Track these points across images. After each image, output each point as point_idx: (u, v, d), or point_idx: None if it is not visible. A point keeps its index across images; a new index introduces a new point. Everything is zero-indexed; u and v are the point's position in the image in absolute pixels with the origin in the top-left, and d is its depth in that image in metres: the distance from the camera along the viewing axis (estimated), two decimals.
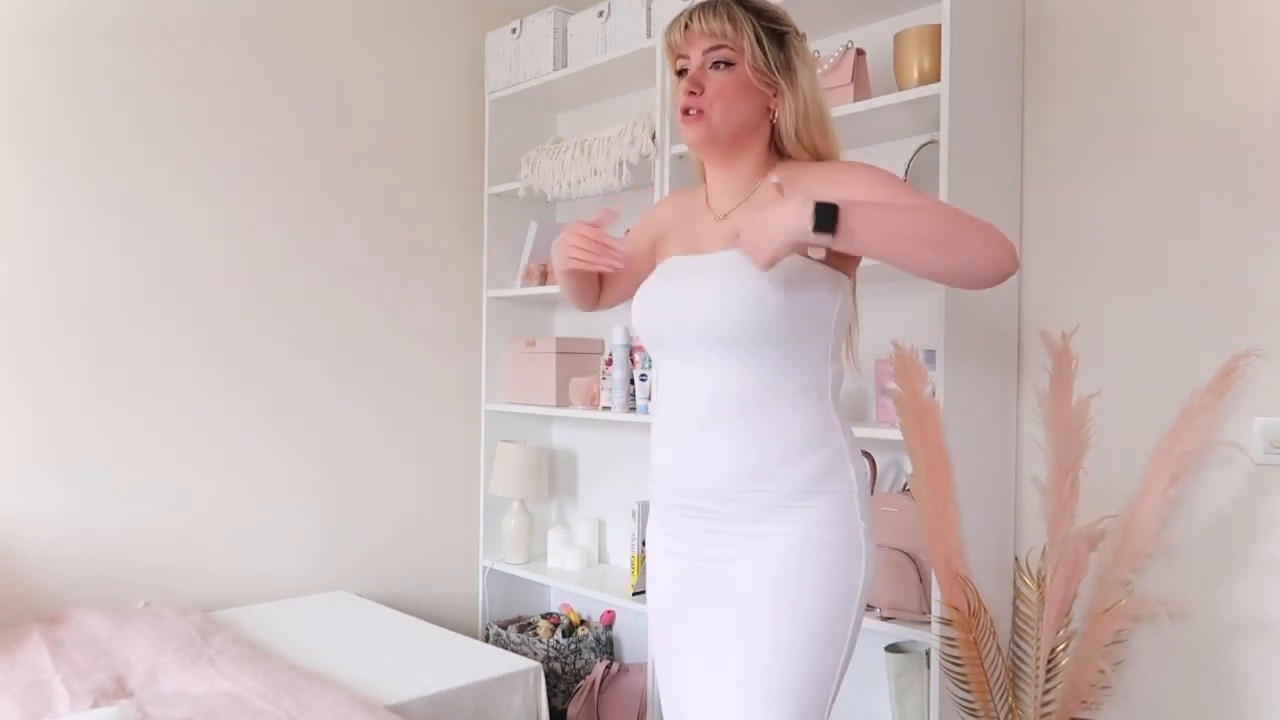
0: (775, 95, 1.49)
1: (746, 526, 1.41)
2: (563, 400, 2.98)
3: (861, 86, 2.25)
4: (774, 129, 1.53)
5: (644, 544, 1.68)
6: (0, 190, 2.33)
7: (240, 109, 2.70)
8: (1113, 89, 2.09)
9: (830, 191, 1.38)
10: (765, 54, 1.47)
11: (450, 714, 2.05)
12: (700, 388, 1.44)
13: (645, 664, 2.67)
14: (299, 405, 2.82)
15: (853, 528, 1.41)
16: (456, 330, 3.17)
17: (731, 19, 1.47)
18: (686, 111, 1.48)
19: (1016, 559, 2.15)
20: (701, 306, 1.43)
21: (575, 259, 1.50)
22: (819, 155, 1.54)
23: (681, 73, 1.52)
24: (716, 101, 1.46)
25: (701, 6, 1.50)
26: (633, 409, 2.75)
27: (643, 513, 2.69)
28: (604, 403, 2.84)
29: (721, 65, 1.47)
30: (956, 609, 1.93)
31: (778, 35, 1.49)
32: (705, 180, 1.61)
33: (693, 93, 1.47)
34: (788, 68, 1.49)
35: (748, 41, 1.47)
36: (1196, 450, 1.79)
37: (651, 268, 1.63)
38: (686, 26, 1.50)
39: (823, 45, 2.42)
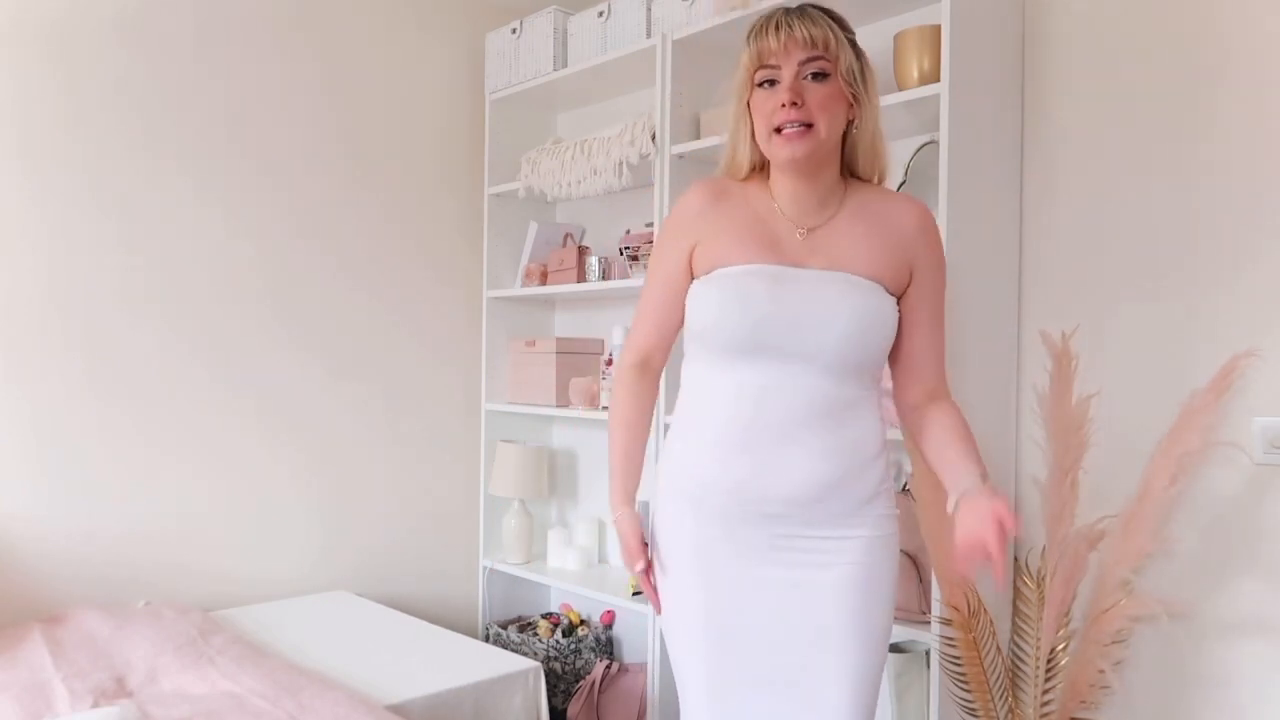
0: (853, 106, 1.47)
1: (825, 530, 1.46)
2: (563, 400, 2.97)
3: None
4: (844, 142, 1.50)
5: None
6: None
7: (239, 109, 2.70)
8: (1112, 88, 2.09)
9: (915, 252, 1.49)
10: (859, 64, 1.46)
11: (450, 714, 2.05)
12: (789, 396, 1.43)
13: (645, 664, 2.67)
14: (299, 405, 2.82)
15: (895, 521, 1.53)
16: (456, 330, 3.17)
17: (830, 27, 1.42)
18: (783, 126, 1.40)
19: (1016, 559, 2.15)
20: (834, 323, 1.41)
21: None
22: (874, 171, 1.54)
23: (766, 84, 1.44)
24: (821, 114, 1.41)
25: (791, 13, 1.43)
26: None
27: (644, 512, 2.67)
28: (604, 403, 2.83)
29: (818, 76, 1.42)
30: (956, 609, 1.93)
31: (853, 44, 1.47)
32: (747, 181, 1.55)
33: (795, 104, 1.40)
34: (863, 78, 1.47)
35: (845, 51, 1.43)
36: (1196, 450, 1.79)
37: (686, 287, 1.55)
38: (779, 29, 1.41)
39: None
